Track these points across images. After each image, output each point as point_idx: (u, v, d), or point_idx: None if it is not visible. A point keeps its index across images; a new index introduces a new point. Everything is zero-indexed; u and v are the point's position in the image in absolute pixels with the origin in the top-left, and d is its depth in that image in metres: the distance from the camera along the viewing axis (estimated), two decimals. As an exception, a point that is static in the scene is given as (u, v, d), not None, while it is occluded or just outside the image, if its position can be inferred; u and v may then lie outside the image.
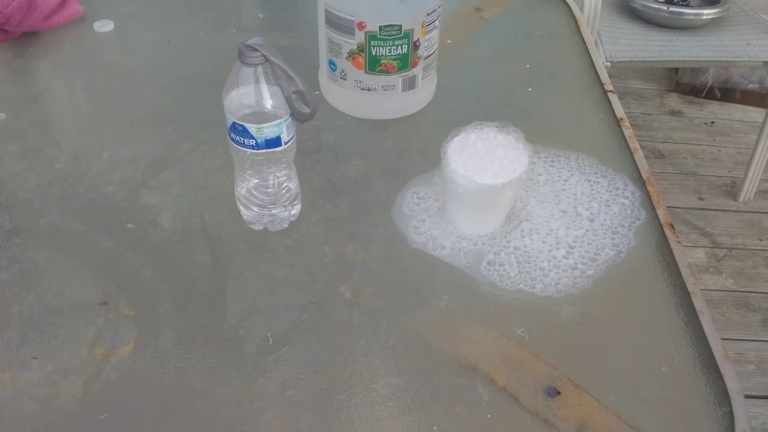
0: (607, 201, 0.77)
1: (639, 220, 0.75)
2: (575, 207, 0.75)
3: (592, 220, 0.74)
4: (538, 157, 0.82)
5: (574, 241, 0.72)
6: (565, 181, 0.79)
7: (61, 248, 0.70)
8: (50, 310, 0.64)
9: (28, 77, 0.95)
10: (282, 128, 0.65)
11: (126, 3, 1.08)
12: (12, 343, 0.61)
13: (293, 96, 0.61)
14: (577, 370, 0.61)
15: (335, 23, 0.81)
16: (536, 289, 0.67)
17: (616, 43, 1.74)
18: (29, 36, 1.00)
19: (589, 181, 0.79)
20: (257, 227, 0.73)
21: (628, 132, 0.88)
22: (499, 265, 0.70)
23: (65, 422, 0.56)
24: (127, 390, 0.58)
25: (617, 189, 0.78)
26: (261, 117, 0.64)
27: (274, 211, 0.72)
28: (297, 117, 0.63)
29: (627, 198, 0.77)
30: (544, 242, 0.72)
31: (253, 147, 0.65)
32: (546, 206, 0.75)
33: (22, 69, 0.95)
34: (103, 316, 0.63)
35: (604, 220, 0.74)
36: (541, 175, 0.79)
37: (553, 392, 0.58)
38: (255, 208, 0.71)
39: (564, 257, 0.70)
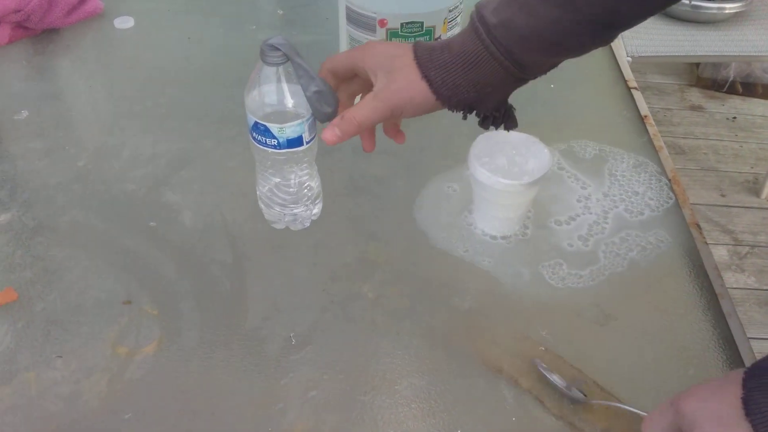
0: (632, 198, 0.76)
1: (668, 202, 0.74)
2: (599, 205, 0.74)
3: (617, 219, 0.73)
4: (560, 151, 0.81)
5: (598, 241, 0.71)
6: (588, 178, 0.78)
7: (84, 246, 0.70)
8: (74, 308, 0.64)
9: (50, 74, 0.95)
10: (304, 128, 0.65)
11: (146, 0, 1.08)
12: (36, 341, 0.61)
13: (314, 96, 0.61)
14: (602, 372, 0.60)
15: (356, 20, 0.80)
16: (560, 289, 0.67)
17: (638, 38, 1.72)
18: (50, 33, 1.00)
19: (613, 175, 0.78)
20: (279, 226, 0.73)
21: (652, 130, 0.87)
22: (523, 266, 0.69)
23: (89, 421, 0.56)
24: (150, 389, 0.58)
25: (642, 185, 0.77)
26: (283, 116, 0.64)
27: (295, 210, 0.71)
28: (318, 117, 0.63)
29: (653, 191, 0.76)
30: (569, 243, 0.71)
31: (274, 147, 0.65)
32: (569, 204, 0.75)
33: (44, 66, 0.96)
34: (126, 315, 0.63)
35: (629, 219, 0.73)
36: (563, 169, 0.78)
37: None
38: (277, 207, 0.71)
39: (588, 257, 0.69)
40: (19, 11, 0.96)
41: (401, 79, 0.56)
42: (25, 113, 0.86)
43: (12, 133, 0.83)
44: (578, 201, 0.75)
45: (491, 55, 0.54)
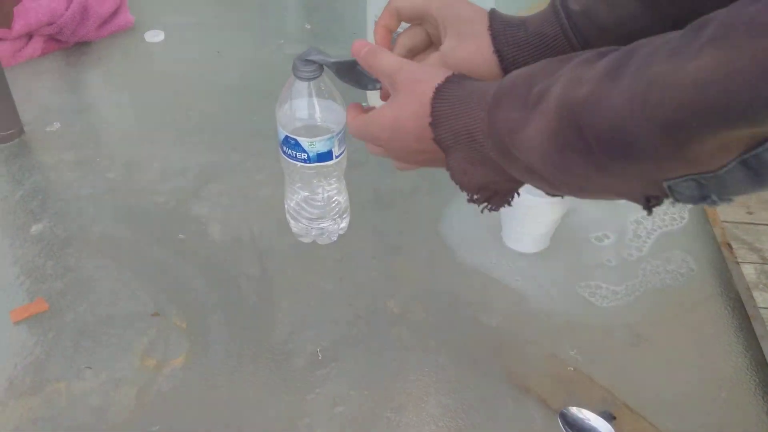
0: (662, 217, 0.75)
1: (698, 220, 0.73)
2: (629, 223, 0.74)
3: (645, 239, 0.72)
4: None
5: (628, 260, 0.70)
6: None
7: (114, 258, 0.71)
8: (103, 319, 0.65)
9: (81, 87, 0.97)
10: (334, 142, 0.65)
11: (176, 13, 1.10)
12: (66, 351, 0.62)
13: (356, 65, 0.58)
14: (632, 393, 0.59)
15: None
16: (591, 308, 0.66)
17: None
18: (82, 46, 1.02)
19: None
20: (306, 240, 0.73)
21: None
22: (552, 283, 0.68)
23: (118, 433, 0.56)
24: (178, 403, 0.58)
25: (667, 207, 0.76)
26: (313, 131, 0.64)
27: (323, 225, 0.71)
28: (362, 82, 0.59)
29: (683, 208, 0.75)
30: (600, 261, 0.70)
31: (304, 161, 0.65)
32: (599, 222, 0.74)
33: (75, 78, 0.97)
34: (155, 327, 0.64)
35: (658, 238, 0.73)
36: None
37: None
38: (304, 221, 0.71)
39: (619, 276, 0.69)
40: (51, 24, 0.98)
41: (472, 48, 0.53)
42: (57, 125, 0.88)
43: (44, 144, 0.85)
44: (611, 218, 0.75)
45: (568, 41, 0.51)
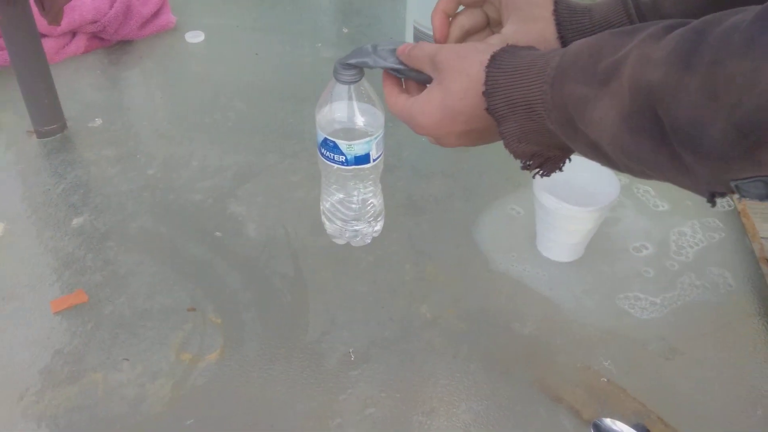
0: (698, 234, 0.74)
1: (736, 235, 0.72)
2: (670, 235, 0.73)
3: (685, 251, 0.72)
4: (625, 185, 0.80)
5: (665, 271, 0.70)
6: (653, 210, 0.77)
7: (152, 252, 0.72)
8: (140, 312, 0.66)
9: (122, 84, 0.98)
10: (372, 145, 0.65)
11: (217, 15, 1.11)
12: (104, 343, 0.63)
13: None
14: (666, 407, 0.59)
15: (422, 40, 0.81)
16: (625, 320, 0.66)
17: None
18: (124, 44, 1.04)
19: (677, 212, 0.77)
20: (340, 241, 0.73)
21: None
22: (586, 293, 0.68)
23: (153, 425, 0.57)
24: (212, 397, 0.59)
25: (707, 224, 0.76)
26: (352, 134, 0.65)
27: (357, 227, 0.72)
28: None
29: (721, 222, 0.74)
30: (635, 271, 0.70)
31: (342, 163, 0.65)
32: (637, 232, 0.73)
33: (117, 76, 0.99)
34: (191, 322, 0.65)
35: (698, 251, 0.72)
36: (627, 201, 0.77)
37: (643, 429, 0.56)
38: (339, 222, 0.72)
39: (656, 288, 0.68)
40: (95, 22, 1.00)
41: (535, 32, 0.52)
42: (99, 121, 0.89)
43: (86, 140, 0.86)
44: (650, 228, 0.74)
45: None
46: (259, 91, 0.96)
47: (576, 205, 0.65)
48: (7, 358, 0.62)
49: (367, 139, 0.65)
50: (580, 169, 0.70)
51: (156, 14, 1.07)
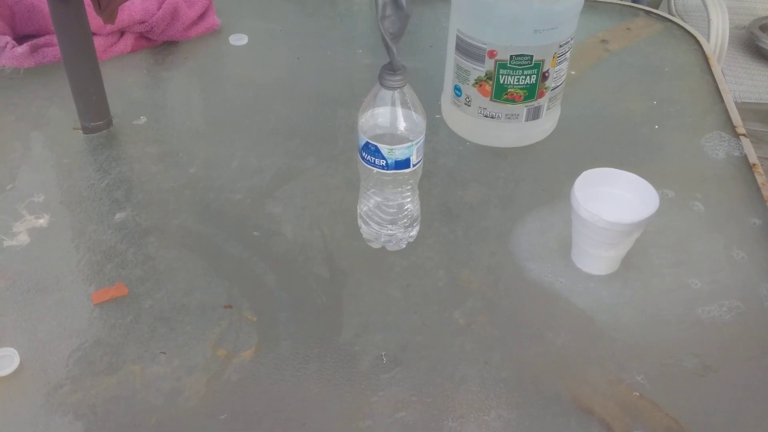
0: (735, 251, 0.73)
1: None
2: (701, 252, 0.72)
3: (723, 267, 0.71)
4: (666, 199, 0.79)
5: (697, 289, 0.69)
6: (692, 224, 0.76)
7: (191, 249, 0.73)
8: (179, 307, 0.67)
9: (167, 84, 1.01)
10: (412, 151, 0.66)
11: (260, 19, 1.13)
12: (143, 336, 0.64)
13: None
14: (699, 425, 0.58)
15: (465, 50, 0.81)
16: (658, 334, 0.65)
17: (741, 83, 1.67)
18: (170, 45, 1.06)
19: (715, 227, 0.76)
20: (375, 245, 0.74)
21: (761, 179, 0.84)
22: (621, 307, 0.68)
23: (188, 418, 0.58)
24: (246, 393, 0.60)
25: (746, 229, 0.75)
26: (393, 139, 0.66)
27: (393, 231, 0.73)
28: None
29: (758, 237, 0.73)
30: (670, 286, 0.69)
31: (382, 167, 0.66)
32: (674, 247, 0.73)
33: (162, 76, 1.01)
34: (227, 319, 0.66)
35: (735, 272, 0.71)
36: (665, 214, 0.77)
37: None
38: (375, 226, 0.73)
39: (687, 303, 0.67)
40: (143, 22, 1.02)
41: None
42: (143, 119, 0.92)
43: (131, 137, 0.89)
44: (689, 244, 0.73)
45: None
46: (299, 94, 0.97)
47: (614, 217, 0.65)
48: (47, 348, 0.63)
49: (408, 144, 0.66)
50: (618, 181, 0.70)
51: (202, 16, 1.09)
